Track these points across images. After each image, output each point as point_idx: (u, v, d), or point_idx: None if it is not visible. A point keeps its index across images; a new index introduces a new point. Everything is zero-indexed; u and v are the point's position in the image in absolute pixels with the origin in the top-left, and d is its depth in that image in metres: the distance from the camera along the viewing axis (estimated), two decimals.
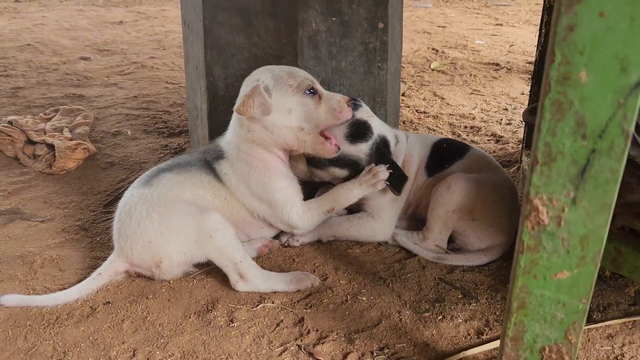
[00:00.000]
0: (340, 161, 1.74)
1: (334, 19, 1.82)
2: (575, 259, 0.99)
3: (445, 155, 1.86)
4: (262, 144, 1.66)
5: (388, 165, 1.71)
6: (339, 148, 1.68)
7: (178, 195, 1.61)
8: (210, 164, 1.70)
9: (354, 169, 1.75)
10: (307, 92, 1.62)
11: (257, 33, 1.83)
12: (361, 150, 1.74)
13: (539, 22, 2.19)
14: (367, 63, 1.92)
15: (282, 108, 1.61)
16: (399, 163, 1.83)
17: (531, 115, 1.87)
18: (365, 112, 1.77)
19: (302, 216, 1.69)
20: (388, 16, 1.87)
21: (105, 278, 1.56)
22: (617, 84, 0.84)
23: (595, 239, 0.97)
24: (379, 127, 1.79)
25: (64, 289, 1.56)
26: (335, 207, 1.73)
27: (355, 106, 1.75)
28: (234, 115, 1.69)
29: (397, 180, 1.73)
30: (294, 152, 1.73)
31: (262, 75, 1.63)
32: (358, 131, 1.73)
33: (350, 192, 1.71)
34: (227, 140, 1.72)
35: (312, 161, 1.76)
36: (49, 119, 2.71)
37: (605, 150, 0.89)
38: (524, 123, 2.77)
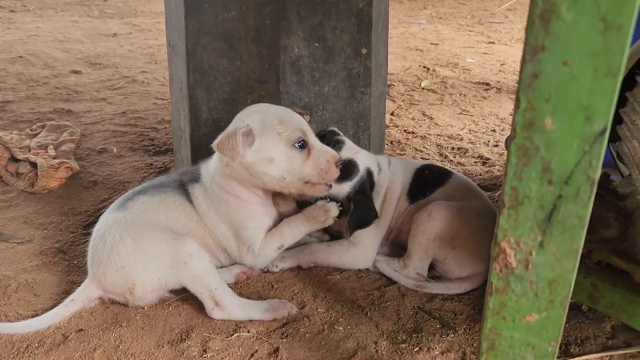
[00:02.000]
0: (326, 200, 1.72)
1: (316, 44, 1.82)
2: (544, 302, 0.98)
3: (427, 182, 1.85)
4: (239, 181, 1.62)
5: (339, 204, 1.69)
6: (331, 185, 1.64)
7: (152, 218, 1.60)
8: (184, 185, 1.69)
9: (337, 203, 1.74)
10: (297, 145, 1.56)
11: (240, 57, 1.82)
12: (345, 189, 1.72)
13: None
14: (350, 88, 1.92)
15: (264, 156, 1.55)
16: (382, 191, 1.82)
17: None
18: (350, 150, 1.75)
19: (256, 257, 1.66)
20: (371, 42, 1.87)
21: (79, 304, 1.55)
22: (582, 132, 0.84)
23: (564, 283, 0.96)
24: (364, 160, 1.77)
25: (37, 314, 1.54)
26: (284, 244, 1.69)
27: (338, 144, 1.74)
28: None
29: (361, 222, 1.70)
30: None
31: (251, 117, 1.57)
32: (343, 172, 1.68)
33: (297, 229, 1.68)
34: (208, 167, 1.70)
35: (301, 203, 1.75)
36: (35, 135, 2.69)
37: (572, 196, 0.88)
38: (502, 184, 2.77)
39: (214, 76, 1.87)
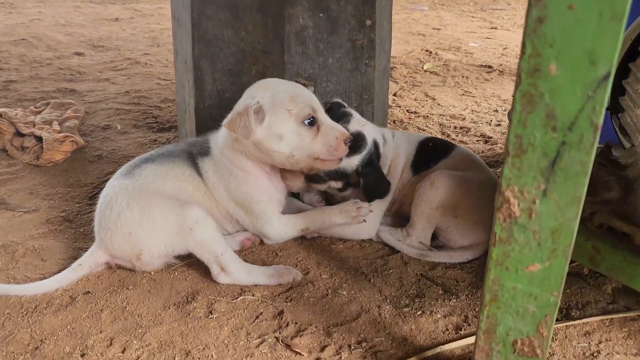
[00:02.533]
0: (336, 174, 1.75)
1: (321, 15, 1.82)
2: (546, 251, 1.00)
3: (430, 154, 1.87)
4: (248, 156, 1.63)
5: (370, 205, 1.72)
6: (341, 159, 1.65)
7: (159, 187, 1.61)
8: (194, 157, 1.69)
9: (347, 179, 1.77)
10: (306, 122, 1.56)
11: (245, 27, 1.83)
12: (354, 163, 1.73)
13: None
14: (354, 60, 1.92)
15: (274, 133, 1.55)
16: (387, 163, 1.84)
17: None
18: (357, 122, 1.76)
19: (275, 230, 1.69)
20: (376, 14, 1.88)
21: (86, 269, 1.56)
22: (586, 77, 0.85)
23: (566, 232, 0.97)
24: (370, 132, 1.79)
25: (45, 278, 1.56)
26: (310, 228, 1.72)
27: (346, 117, 1.75)
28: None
29: (375, 193, 1.73)
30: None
31: (261, 94, 1.57)
32: (354, 145, 1.69)
33: (329, 218, 1.71)
34: (216, 140, 1.70)
35: (310, 177, 1.77)
36: (39, 112, 2.71)
37: (575, 143, 0.90)
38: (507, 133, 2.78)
39: (218, 47, 1.88)
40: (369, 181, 1.73)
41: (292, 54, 1.84)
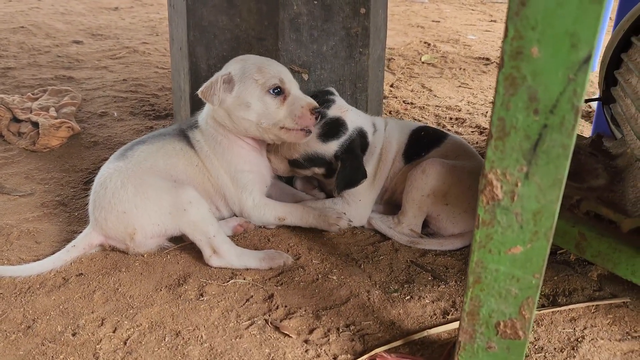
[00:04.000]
0: (315, 160, 1.78)
1: (315, 2, 1.83)
2: (528, 234, 1.01)
3: (422, 142, 1.88)
4: (225, 127, 1.71)
5: (350, 221, 1.78)
6: (309, 132, 1.68)
7: (152, 165, 1.64)
8: (184, 132, 1.75)
9: (328, 165, 1.79)
10: (272, 91, 1.64)
11: (239, 14, 1.84)
12: (332, 148, 1.76)
13: None
14: (348, 48, 1.93)
15: (242, 102, 1.65)
16: (377, 151, 1.85)
17: None
18: (338, 108, 1.78)
19: (255, 206, 1.73)
20: (370, 2, 1.89)
21: (80, 250, 1.58)
22: (568, 60, 0.86)
23: (548, 214, 0.99)
24: (354, 119, 1.80)
25: (39, 260, 1.57)
26: (287, 219, 1.77)
27: (328, 103, 1.77)
28: None
29: (348, 181, 1.73)
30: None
31: (233, 66, 1.68)
32: (330, 130, 1.75)
33: (307, 216, 1.76)
34: (202, 114, 1.78)
35: (293, 162, 1.80)
36: (37, 99, 2.72)
37: (557, 125, 0.91)
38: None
39: (213, 33, 1.89)
40: (345, 168, 1.74)
41: (286, 40, 1.85)
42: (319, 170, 1.82)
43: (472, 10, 5.56)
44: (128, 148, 1.70)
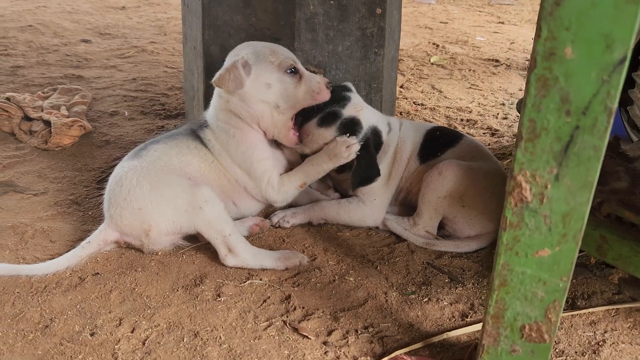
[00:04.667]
0: None
1: (331, 2, 1.82)
2: (556, 236, 1.01)
3: (438, 143, 1.87)
4: (239, 115, 1.68)
5: (361, 141, 1.72)
6: (300, 141, 1.72)
7: (167, 163, 1.63)
8: (195, 131, 1.74)
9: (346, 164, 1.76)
10: (288, 71, 1.65)
11: (255, 13, 1.83)
12: None
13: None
14: (363, 48, 1.92)
15: (261, 83, 1.64)
16: (390, 150, 1.84)
17: None
18: (353, 107, 1.76)
19: (277, 191, 1.73)
20: (386, 2, 1.88)
21: (95, 246, 1.58)
22: (602, 61, 0.85)
23: (577, 216, 0.98)
24: (369, 118, 1.79)
25: (54, 258, 1.57)
26: (307, 182, 1.76)
27: (344, 101, 1.76)
28: (215, 88, 1.73)
29: (363, 178, 1.73)
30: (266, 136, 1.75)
31: (244, 51, 1.65)
32: (346, 129, 1.73)
33: (320, 167, 1.73)
34: (209, 111, 1.76)
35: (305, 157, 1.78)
36: (47, 97, 2.71)
37: (589, 127, 0.90)
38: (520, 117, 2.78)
39: (228, 33, 1.88)
40: (360, 165, 1.73)
41: (302, 40, 1.85)
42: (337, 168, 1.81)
43: (480, 11, 5.55)
44: (142, 147, 1.69)
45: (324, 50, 1.88)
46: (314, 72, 1.88)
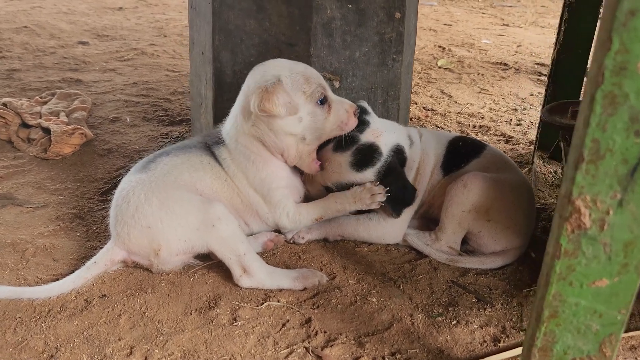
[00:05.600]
0: (350, 187, 1.67)
1: (349, 6, 1.73)
2: (616, 266, 0.92)
3: (461, 153, 1.78)
4: (263, 142, 1.58)
5: (388, 188, 1.63)
6: (322, 167, 1.64)
7: (177, 178, 1.53)
8: (210, 147, 1.64)
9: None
10: (319, 101, 1.55)
11: (269, 18, 1.74)
12: (368, 176, 1.65)
13: (559, 19, 2.12)
14: (381, 54, 1.84)
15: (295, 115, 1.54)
16: (415, 165, 1.75)
17: (551, 114, 1.80)
18: (372, 133, 1.66)
19: (291, 219, 1.64)
20: (405, 6, 1.79)
21: (101, 267, 1.48)
22: None
23: None
24: (389, 140, 1.68)
25: (57, 279, 1.47)
26: (324, 217, 1.67)
27: (361, 126, 1.65)
28: (238, 107, 1.61)
29: (400, 202, 1.65)
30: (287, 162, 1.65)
31: (282, 73, 1.52)
32: (364, 158, 1.64)
33: (342, 207, 1.65)
34: (226, 130, 1.64)
35: (329, 190, 1.69)
36: (45, 103, 2.61)
37: None
38: (536, 124, 2.70)
39: (240, 38, 1.79)
40: (391, 192, 1.64)
41: (318, 46, 1.75)
42: None
43: (483, 13, 5.48)
44: (150, 160, 1.59)
45: (341, 57, 1.79)
46: (330, 79, 1.79)
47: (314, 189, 1.73)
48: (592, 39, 2.10)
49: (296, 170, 1.68)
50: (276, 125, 1.53)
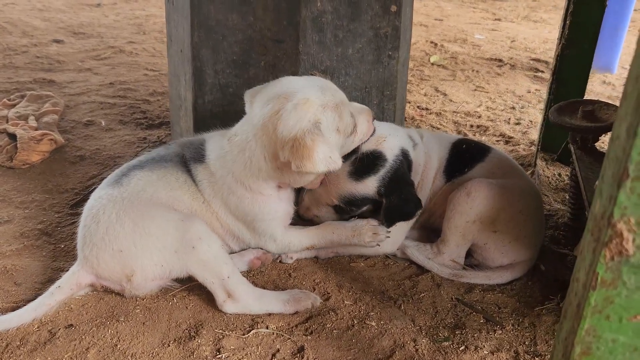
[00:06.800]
0: (358, 201, 1.53)
1: None
2: None
3: (465, 157, 1.64)
4: (275, 179, 1.40)
5: (388, 231, 1.52)
6: (322, 182, 1.51)
7: (152, 196, 1.37)
8: (187, 162, 1.45)
9: (373, 202, 1.55)
10: (350, 133, 1.40)
11: (253, 12, 1.58)
12: (372, 185, 1.51)
13: (564, 12, 1.99)
14: (376, 51, 1.69)
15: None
16: (420, 169, 1.60)
17: (560, 115, 1.67)
18: (375, 140, 1.51)
19: (277, 246, 1.50)
20: None
21: (66, 292, 1.32)
22: None
23: None
24: (394, 145, 1.53)
25: (19, 307, 1.30)
26: (316, 246, 1.53)
27: None
28: (249, 145, 1.36)
29: (397, 214, 1.51)
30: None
31: (317, 113, 1.29)
32: (369, 165, 1.50)
33: (339, 239, 1.51)
34: (221, 155, 1.41)
35: (338, 208, 1.55)
36: (14, 105, 2.43)
37: None
38: (535, 123, 2.58)
39: (222, 34, 1.63)
40: (390, 202, 1.50)
41: (307, 42, 1.60)
42: (364, 210, 1.58)
43: (474, 8, 5.36)
44: (123, 173, 1.42)
45: (333, 54, 1.64)
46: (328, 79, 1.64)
47: (320, 211, 1.58)
48: (598, 33, 1.97)
49: (282, 197, 1.51)
50: (307, 172, 1.33)
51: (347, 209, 1.55)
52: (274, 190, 1.43)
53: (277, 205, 1.46)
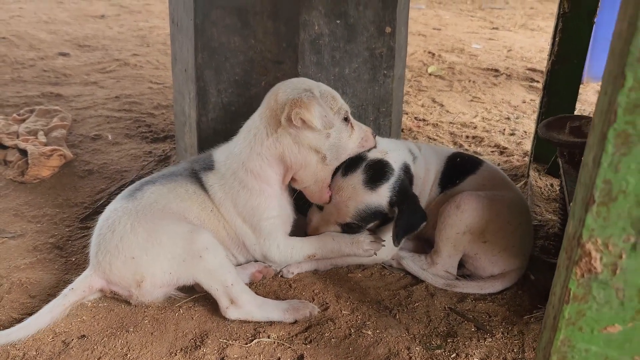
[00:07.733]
0: (370, 216, 1.58)
1: (338, 21, 1.66)
2: (630, 311, 0.86)
3: (458, 169, 1.72)
4: (277, 158, 1.49)
5: (384, 240, 1.60)
6: (330, 199, 1.57)
7: (164, 207, 1.46)
8: (197, 173, 1.55)
9: (385, 216, 1.59)
10: (344, 119, 1.52)
11: (254, 35, 1.66)
12: (384, 194, 1.55)
13: (553, 29, 2.07)
14: (372, 70, 1.77)
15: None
16: (420, 182, 1.67)
17: (548, 130, 1.74)
18: (378, 151, 1.59)
19: (280, 252, 1.56)
20: (396, 19, 1.73)
21: (79, 294, 1.40)
22: None
23: None
24: (397, 158, 1.60)
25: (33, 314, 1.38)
26: (317, 255, 1.60)
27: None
28: (254, 124, 1.51)
29: (406, 227, 1.55)
30: (294, 183, 1.56)
31: (313, 87, 1.47)
32: (378, 173, 1.55)
33: (338, 246, 1.59)
34: (230, 151, 1.54)
35: (348, 226, 1.60)
36: (24, 120, 2.51)
37: None
38: (529, 134, 2.65)
39: (224, 56, 1.71)
40: (404, 214, 1.54)
41: (306, 63, 1.68)
42: (374, 224, 1.63)
43: (472, 17, 5.44)
44: (136, 188, 1.52)
45: (330, 74, 1.72)
46: None
47: (328, 231, 1.63)
48: (587, 49, 2.05)
49: (286, 196, 1.60)
50: (304, 139, 1.45)
51: (357, 225, 1.59)
52: (278, 183, 1.53)
53: (278, 202, 1.54)
